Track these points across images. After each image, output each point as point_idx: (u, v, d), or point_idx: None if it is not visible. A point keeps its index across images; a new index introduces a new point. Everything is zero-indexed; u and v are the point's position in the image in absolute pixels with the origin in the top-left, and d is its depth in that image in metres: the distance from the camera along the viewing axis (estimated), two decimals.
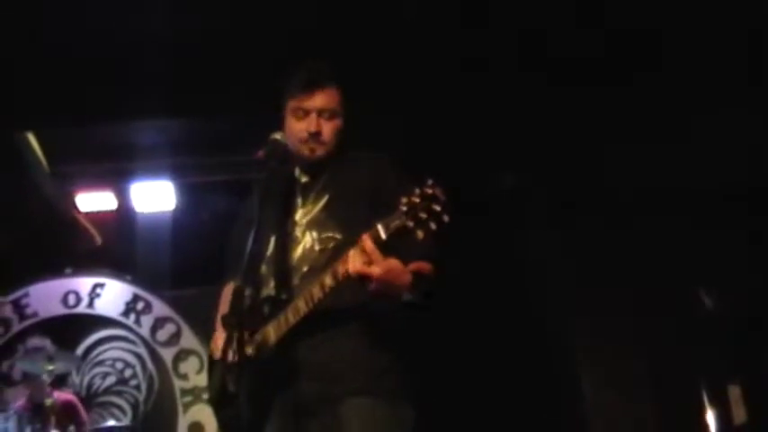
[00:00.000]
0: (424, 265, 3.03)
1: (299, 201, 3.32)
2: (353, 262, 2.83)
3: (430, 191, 2.65)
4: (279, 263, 3.25)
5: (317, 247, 3.16)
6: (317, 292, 2.94)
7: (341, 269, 2.89)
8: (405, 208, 2.66)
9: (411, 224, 2.66)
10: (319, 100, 3.23)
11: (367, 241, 2.80)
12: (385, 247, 2.79)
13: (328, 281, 2.94)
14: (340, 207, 3.18)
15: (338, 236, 3.09)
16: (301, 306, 3.01)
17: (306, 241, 3.20)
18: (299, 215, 3.28)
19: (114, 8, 5.40)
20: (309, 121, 3.23)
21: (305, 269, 3.15)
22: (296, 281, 3.16)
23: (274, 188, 3.32)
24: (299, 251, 3.21)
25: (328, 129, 3.25)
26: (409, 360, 3.18)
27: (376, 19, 5.59)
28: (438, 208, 2.64)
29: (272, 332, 3.11)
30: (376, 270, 2.81)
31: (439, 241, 2.99)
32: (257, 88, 5.44)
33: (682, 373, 6.03)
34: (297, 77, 3.28)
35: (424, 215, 2.64)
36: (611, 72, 5.83)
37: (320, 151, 3.25)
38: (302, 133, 3.23)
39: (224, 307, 3.23)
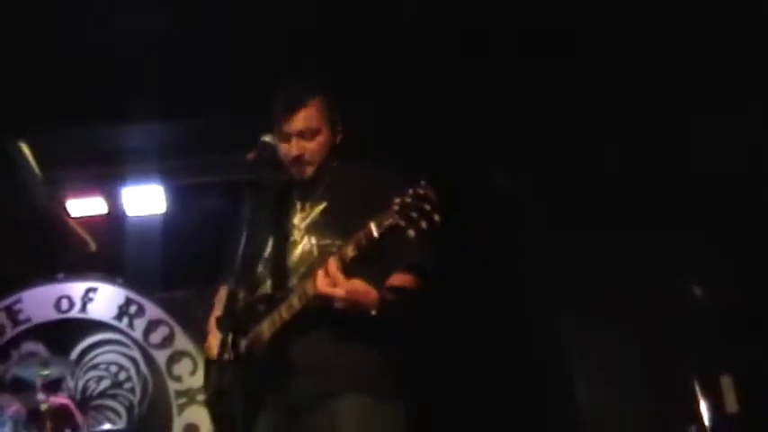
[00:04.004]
0: (404, 280, 3.11)
1: (299, 204, 3.38)
2: (319, 282, 2.94)
3: (422, 191, 2.72)
4: (276, 263, 3.30)
5: (315, 252, 3.21)
6: (310, 290, 2.99)
7: (309, 288, 2.97)
8: (397, 207, 2.72)
9: (403, 223, 2.72)
10: (298, 122, 3.30)
11: (331, 264, 2.90)
12: (375, 247, 2.85)
13: (300, 297, 3.04)
14: (339, 213, 3.24)
15: (338, 242, 3.13)
16: (295, 303, 3.06)
17: (304, 244, 3.26)
18: (297, 219, 3.35)
19: (101, 11, 5.41)
20: (291, 145, 3.29)
21: (302, 270, 3.20)
22: (293, 281, 3.21)
23: (266, 191, 3.38)
24: (297, 253, 3.27)
25: (311, 148, 3.33)
26: (404, 359, 3.22)
27: (374, 19, 5.60)
28: (428, 207, 2.69)
29: (266, 329, 3.16)
30: (338, 292, 2.92)
31: (435, 247, 3.06)
32: (246, 89, 5.47)
33: (674, 365, 6.06)
34: (276, 101, 3.35)
35: (415, 214, 2.70)
36: (608, 70, 5.85)
37: (308, 171, 3.35)
38: (287, 157, 3.31)
39: (218, 309, 3.26)
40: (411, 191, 2.73)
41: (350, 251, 2.91)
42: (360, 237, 2.87)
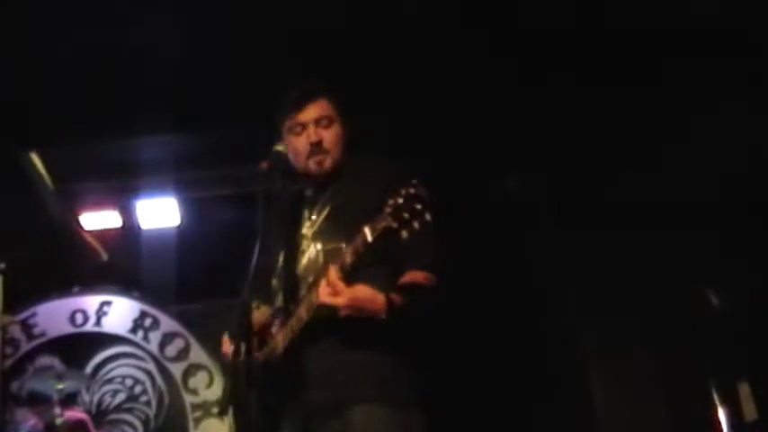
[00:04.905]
0: (416, 276, 3.09)
1: (306, 214, 3.36)
2: (321, 292, 2.93)
3: (413, 191, 2.71)
4: (287, 275, 3.29)
5: (321, 258, 3.19)
6: (315, 301, 2.98)
7: (314, 299, 2.97)
8: (389, 209, 2.72)
9: (395, 225, 2.72)
10: (312, 111, 3.30)
11: (331, 273, 2.89)
12: (372, 251, 2.84)
13: (307, 308, 3.04)
14: (344, 218, 3.21)
15: (343, 245, 3.08)
16: (303, 314, 3.05)
17: (311, 252, 3.24)
18: (305, 228, 3.33)
19: (115, 24, 5.42)
20: (308, 134, 3.27)
21: (310, 279, 3.18)
22: (303, 291, 3.19)
23: (280, 201, 3.37)
24: (304, 262, 3.25)
25: (329, 136, 3.31)
26: (417, 365, 3.20)
27: (376, 19, 5.60)
28: (419, 207, 2.69)
29: (280, 341, 3.15)
30: (339, 300, 2.90)
31: (444, 248, 3.04)
32: (259, 100, 5.46)
33: (691, 373, 6.03)
34: (287, 98, 3.34)
35: (407, 215, 2.70)
36: (615, 73, 5.83)
37: (328, 162, 3.31)
38: (305, 147, 3.29)
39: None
40: (403, 191, 2.72)
41: (348, 258, 2.91)
42: (357, 243, 2.87)
